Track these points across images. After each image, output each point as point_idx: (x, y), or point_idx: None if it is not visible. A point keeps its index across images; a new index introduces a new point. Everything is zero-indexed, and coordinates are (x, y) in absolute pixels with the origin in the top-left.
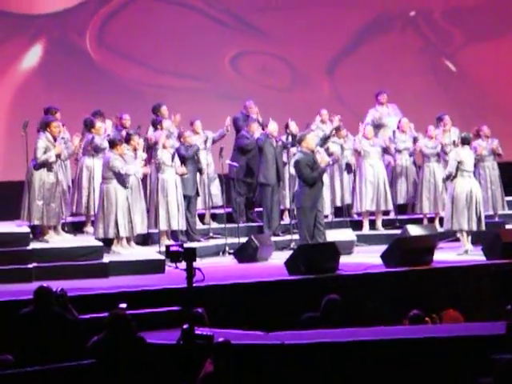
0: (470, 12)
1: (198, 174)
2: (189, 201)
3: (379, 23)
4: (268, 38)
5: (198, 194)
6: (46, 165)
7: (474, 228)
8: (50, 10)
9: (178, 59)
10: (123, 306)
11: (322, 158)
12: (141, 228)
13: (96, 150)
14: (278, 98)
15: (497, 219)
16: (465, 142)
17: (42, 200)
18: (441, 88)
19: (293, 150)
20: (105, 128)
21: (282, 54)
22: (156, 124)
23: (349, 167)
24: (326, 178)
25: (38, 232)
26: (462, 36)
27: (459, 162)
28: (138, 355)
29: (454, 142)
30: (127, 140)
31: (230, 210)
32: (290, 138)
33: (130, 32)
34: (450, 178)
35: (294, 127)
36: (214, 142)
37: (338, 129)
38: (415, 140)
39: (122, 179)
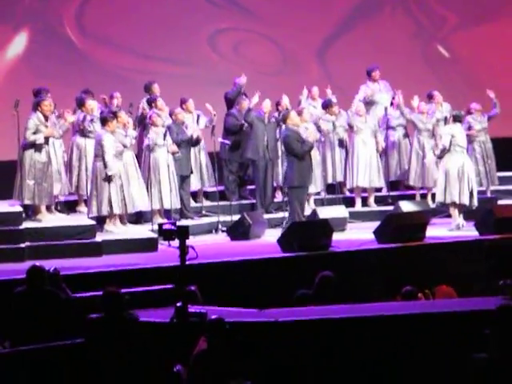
0: None
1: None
2: (183, 180)
3: (369, 4)
4: (257, 19)
5: (191, 173)
6: (35, 145)
7: (466, 202)
8: None
9: (164, 43)
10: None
11: (311, 133)
12: (142, 205)
13: (83, 132)
14: (267, 82)
15: (489, 194)
16: (456, 119)
17: (33, 180)
18: (432, 72)
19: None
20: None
21: (272, 35)
22: (151, 102)
23: (341, 143)
24: (317, 154)
25: (30, 211)
26: (455, 19)
27: (452, 137)
28: (131, 332)
29: (445, 118)
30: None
31: (222, 188)
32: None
33: (112, 17)
34: (444, 152)
35: (286, 101)
36: (206, 127)
37: (330, 104)
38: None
39: (104, 162)
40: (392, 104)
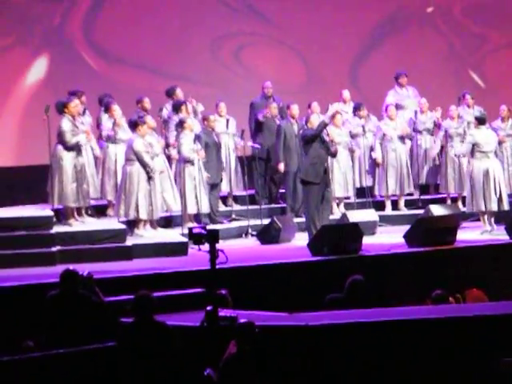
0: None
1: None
2: (212, 186)
3: (394, 22)
4: (286, 38)
5: (221, 180)
6: (74, 147)
7: (494, 208)
8: None
9: (181, 59)
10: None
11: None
12: (175, 206)
13: (109, 137)
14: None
15: None
16: (481, 122)
17: (75, 182)
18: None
19: None
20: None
21: (299, 51)
22: (179, 106)
23: (370, 148)
24: (349, 159)
25: (61, 215)
26: (491, 39)
27: (474, 144)
28: (161, 337)
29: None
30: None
31: (252, 191)
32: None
33: (125, 36)
34: (459, 156)
35: (316, 107)
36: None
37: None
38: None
39: (143, 164)
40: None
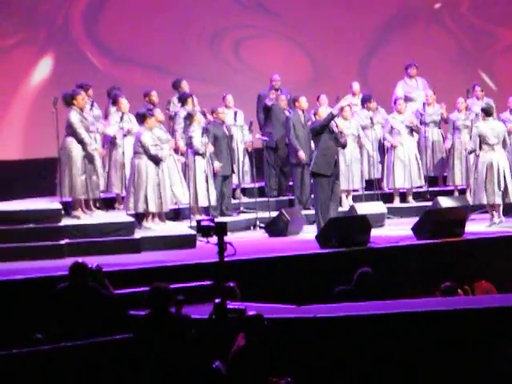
0: None
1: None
2: (224, 179)
3: (401, 18)
4: (294, 33)
5: (233, 172)
6: (83, 140)
7: (497, 202)
8: None
9: (189, 59)
10: (181, 297)
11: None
12: (184, 199)
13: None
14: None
15: None
16: (487, 113)
17: (84, 174)
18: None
19: None
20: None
21: (307, 47)
22: (185, 98)
23: (382, 146)
24: (357, 152)
25: (69, 208)
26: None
27: (480, 136)
28: (179, 331)
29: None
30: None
31: (261, 184)
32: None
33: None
34: (471, 153)
35: (324, 100)
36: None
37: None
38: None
39: (152, 158)
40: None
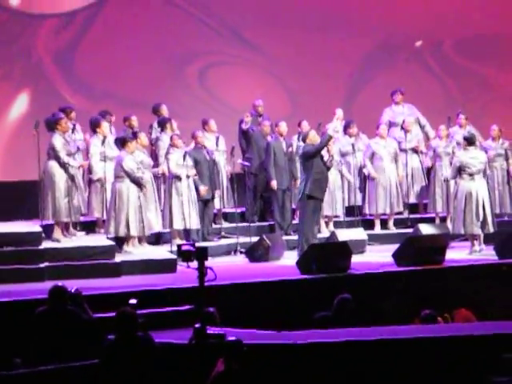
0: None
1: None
2: (205, 203)
3: (381, 53)
4: (271, 66)
5: (213, 196)
6: (64, 163)
7: (476, 232)
8: None
9: (163, 93)
10: (133, 301)
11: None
12: (157, 227)
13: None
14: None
15: (506, 218)
16: (469, 142)
17: (67, 197)
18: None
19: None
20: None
21: (284, 80)
22: (164, 123)
23: (360, 167)
24: (338, 178)
25: (51, 231)
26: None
27: (461, 165)
28: (145, 354)
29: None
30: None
31: (242, 209)
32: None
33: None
34: (447, 181)
35: (305, 127)
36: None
37: (350, 125)
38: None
39: (135, 181)
40: (402, 128)
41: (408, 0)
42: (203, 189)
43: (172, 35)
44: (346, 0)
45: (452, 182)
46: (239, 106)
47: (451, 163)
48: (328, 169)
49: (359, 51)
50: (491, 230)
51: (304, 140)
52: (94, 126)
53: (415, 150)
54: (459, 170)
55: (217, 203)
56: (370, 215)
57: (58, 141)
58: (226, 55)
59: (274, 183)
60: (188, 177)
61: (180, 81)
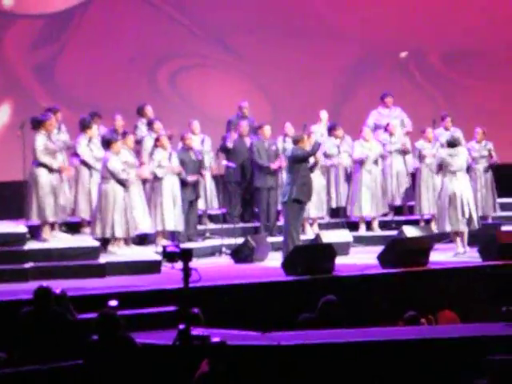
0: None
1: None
2: (190, 204)
3: (364, 67)
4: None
5: (198, 197)
6: (47, 166)
7: (462, 229)
8: None
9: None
10: (114, 303)
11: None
12: (145, 226)
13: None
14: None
15: (490, 220)
16: (450, 145)
17: (52, 197)
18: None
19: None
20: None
21: (266, 88)
22: (149, 124)
23: (345, 169)
24: (322, 179)
25: (37, 231)
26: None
27: (443, 163)
28: (127, 355)
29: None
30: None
31: (226, 210)
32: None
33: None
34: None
35: (290, 129)
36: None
37: (335, 127)
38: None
39: (120, 182)
40: (386, 130)
41: (394, 10)
42: (191, 179)
43: (150, 38)
44: (330, 7)
45: (438, 183)
46: (217, 110)
47: (404, 152)
48: (311, 172)
49: (343, 59)
50: (476, 226)
51: (295, 142)
52: (83, 127)
53: (401, 152)
54: (440, 167)
55: (201, 204)
56: (355, 217)
57: (39, 141)
58: (204, 58)
59: (272, 164)
60: (178, 175)
61: (154, 85)
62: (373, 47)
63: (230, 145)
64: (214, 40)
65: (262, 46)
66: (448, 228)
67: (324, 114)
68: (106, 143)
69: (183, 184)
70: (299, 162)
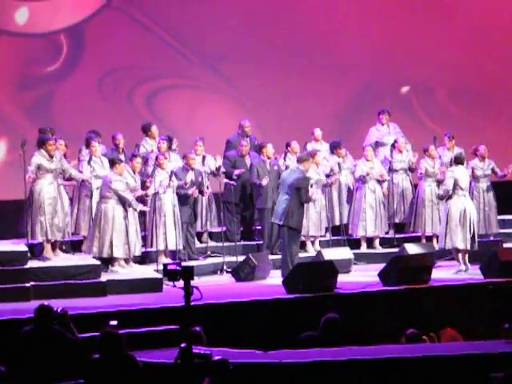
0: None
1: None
2: (188, 224)
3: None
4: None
5: (195, 218)
6: (44, 181)
7: (468, 247)
8: None
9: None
10: (114, 323)
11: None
12: (137, 250)
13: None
14: None
15: (492, 238)
16: (458, 161)
17: (44, 215)
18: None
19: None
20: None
21: (257, 117)
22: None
23: (349, 192)
24: (322, 198)
25: (37, 250)
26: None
27: (455, 181)
28: (129, 374)
29: (451, 160)
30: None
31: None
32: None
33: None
34: (445, 196)
35: (296, 147)
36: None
37: (338, 145)
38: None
39: (123, 201)
40: (394, 147)
41: (397, 45)
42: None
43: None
44: (331, 40)
45: (442, 201)
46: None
47: (438, 182)
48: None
49: (343, 93)
50: (476, 247)
51: (302, 161)
52: (87, 145)
53: (409, 170)
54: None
55: (202, 222)
56: (357, 235)
57: (34, 159)
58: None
59: (264, 180)
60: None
61: (132, 107)
62: (372, 81)
63: (235, 177)
64: (204, 63)
65: (254, 74)
66: (459, 244)
67: (318, 132)
68: (109, 163)
69: (183, 202)
70: (300, 190)
